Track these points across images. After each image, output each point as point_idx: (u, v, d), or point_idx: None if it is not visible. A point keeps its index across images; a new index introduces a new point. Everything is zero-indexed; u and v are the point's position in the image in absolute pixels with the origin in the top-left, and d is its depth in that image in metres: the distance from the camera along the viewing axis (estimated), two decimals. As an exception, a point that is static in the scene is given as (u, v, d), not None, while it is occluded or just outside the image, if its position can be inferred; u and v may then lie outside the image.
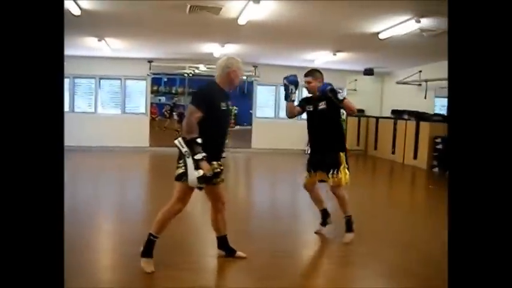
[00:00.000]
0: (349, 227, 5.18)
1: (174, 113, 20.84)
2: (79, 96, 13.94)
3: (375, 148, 14.85)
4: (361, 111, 15.79)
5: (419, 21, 7.14)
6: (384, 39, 8.43)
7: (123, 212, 6.45)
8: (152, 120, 16.32)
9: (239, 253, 4.48)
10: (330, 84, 5.06)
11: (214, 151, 4.05)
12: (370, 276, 4.38)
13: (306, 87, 5.27)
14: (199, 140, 3.82)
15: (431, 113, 12.66)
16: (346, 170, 5.14)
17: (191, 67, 15.13)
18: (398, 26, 7.61)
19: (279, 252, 4.77)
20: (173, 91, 21.31)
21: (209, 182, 4.02)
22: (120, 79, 13.87)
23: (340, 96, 4.98)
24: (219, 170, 4.14)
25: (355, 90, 15.76)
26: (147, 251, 4.04)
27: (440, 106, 12.94)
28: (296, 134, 14.84)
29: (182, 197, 4.07)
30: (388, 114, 14.56)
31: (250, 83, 15.74)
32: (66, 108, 13.04)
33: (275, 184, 10.10)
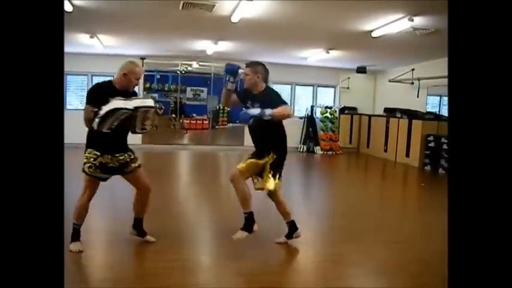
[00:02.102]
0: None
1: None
2: (71, 92, 13.88)
3: (368, 146, 14.87)
4: (353, 109, 15.83)
5: (412, 20, 7.17)
6: (377, 37, 8.45)
7: (114, 208, 6.41)
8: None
9: (149, 237, 4.76)
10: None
11: (109, 145, 4.29)
12: (363, 274, 4.39)
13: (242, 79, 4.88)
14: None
15: (424, 111, 12.70)
16: (270, 176, 4.74)
17: (184, 64, 15.13)
18: (391, 24, 7.62)
19: (271, 249, 4.78)
20: (166, 88, 21.27)
21: (117, 172, 4.44)
22: (112, 76, 13.63)
23: (267, 117, 4.43)
24: (121, 162, 4.40)
25: (348, 88, 15.79)
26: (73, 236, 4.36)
27: (433, 104, 13.00)
28: (289, 131, 14.88)
29: (87, 185, 4.36)
30: (381, 112, 14.59)
31: (243, 81, 15.75)
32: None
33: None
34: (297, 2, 6.90)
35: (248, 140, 14.41)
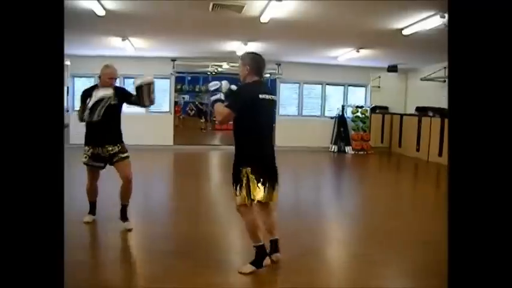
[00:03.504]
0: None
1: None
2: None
3: (399, 146, 14.71)
4: (385, 108, 15.67)
5: (444, 17, 7.05)
6: (408, 35, 8.35)
7: (150, 210, 6.48)
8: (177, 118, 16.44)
9: (127, 223, 5.30)
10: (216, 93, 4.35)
11: (99, 139, 5.18)
12: (394, 276, 4.36)
13: None
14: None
15: (457, 109, 12.49)
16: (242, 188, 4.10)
17: (214, 65, 15.18)
18: (422, 21, 7.53)
19: (302, 250, 4.77)
20: (196, 89, 21.39)
21: (108, 161, 5.27)
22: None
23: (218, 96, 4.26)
24: (110, 153, 5.20)
25: (378, 87, 15.65)
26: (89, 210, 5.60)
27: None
28: (320, 131, 14.83)
29: (88, 173, 5.46)
30: (413, 111, 14.42)
31: (274, 81, 15.73)
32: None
33: (299, 182, 10.07)
34: (326, 1, 6.87)
35: (280, 139, 14.33)
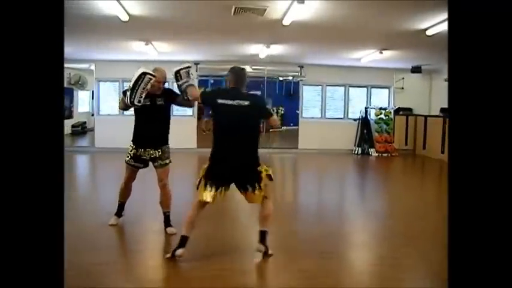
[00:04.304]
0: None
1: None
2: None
3: (424, 148, 14.57)
4: (409, 110, 15.54)
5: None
6: (432, 35, 8.27)
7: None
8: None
9: (171, 229, 5.25)
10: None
11: (143, 142, 5.24)
12: (419, 278, 4.33)
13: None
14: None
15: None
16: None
17: (237, 68, 15.23)
18: (446, 21, 7.45)
19: (327, 253, 4.76)
20: (220, 92, 21.50)
21: (147, 164, 5.34)
22: (167, 82, 13.91)
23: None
24: (151, 156, 5.25)
25: (402, 88, 15.53)
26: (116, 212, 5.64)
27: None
28: (343, 133, 14.76)
29: (126, 171, 5.42)
30: (437, 112, 14.27)
31: (296, 83, 15.71)
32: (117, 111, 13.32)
33: (322, 184, 10.05)
34: (348, 3, 6.85)
35: (303, 142, 14.33)
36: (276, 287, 4.06)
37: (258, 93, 21.32)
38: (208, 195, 4.30)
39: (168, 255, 4.38)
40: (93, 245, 4.83)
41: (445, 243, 5.00)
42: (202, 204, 4.39)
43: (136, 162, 5.29)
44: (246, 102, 4.44)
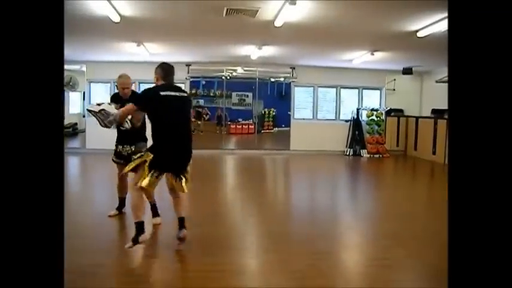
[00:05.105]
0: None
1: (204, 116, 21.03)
2: (119, 100, 14.11)
3: (415, 149, 14.63)
4: (400, 111, 15.60)
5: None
6: (423, 37, 8.31)
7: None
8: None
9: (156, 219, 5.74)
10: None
11: (120, 139, 5.90)
12: (412, 279, 4.34)
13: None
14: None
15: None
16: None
17: (229, 70, 15.23)
18: (437, 23, 7.49)
19: (319, 254, 4.77)
20: (211, 94, 21.49)
21: (127, 159, 5.53)
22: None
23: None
24: (127, 152, 5.81)
25: (393, 90, 15.59)
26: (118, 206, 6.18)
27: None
28: (335, 134, 14.80)
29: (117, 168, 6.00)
30: (428, 113, 14.33)
31: (288, 85, 15.72)
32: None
33: (314, 186, 10.06)
34: (340, 4, 6.87)
35: (294, 143, 14.37)
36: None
37: (250, 94, 21.49)
38: (147, 182, 4.54)
39: (129, 244, 4.59)
40: (89, 245, 4.82)
41: (435, 243, 5.05)
42: (142, 189, 4.63)
43: (117, 159, 5.96)
44: (182, 93, 4.83)
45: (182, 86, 5.24)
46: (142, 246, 4.72)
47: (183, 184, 4.80)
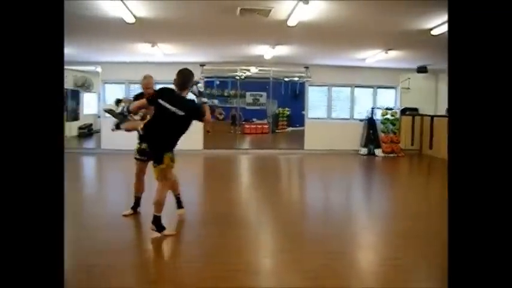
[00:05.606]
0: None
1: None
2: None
3: (430, 148, 14.52)
4: (415, 110, 15.50)
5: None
6: (437, 35, 8.26)
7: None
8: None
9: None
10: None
11: (141, 136, 5.69)
12: (423, 279, 4.32)
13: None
14: None
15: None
16: None
17: (243, 69, 15.25)
18: (451, 21, 7.43)
19: (333, 254, 4.76)
20: (225, 94, 21.52)
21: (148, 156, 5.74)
22: (173, 83, 13.90)
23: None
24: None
25: (408, 88, 15.51)
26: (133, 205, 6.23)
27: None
28: (349, 134, 14.74)
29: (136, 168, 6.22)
30: (443, 112, 14.23)
31: (302, 84, 15.69)
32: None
33: (328, 186, 10.04)
34: (353, 3, 6.85)
35: (308, 143, 14.32)
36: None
37: (264, 94, 21.48)
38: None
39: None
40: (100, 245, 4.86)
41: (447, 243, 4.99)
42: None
43: (140, 156, 6.03)
44: (178, 110, 5.15)
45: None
46: (155, 245, 4.76)
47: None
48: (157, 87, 5.57)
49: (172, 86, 5.30)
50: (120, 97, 5.50)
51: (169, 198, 5.65)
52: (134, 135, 5.71)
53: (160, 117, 5.13)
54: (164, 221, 5.18)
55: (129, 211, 6.10)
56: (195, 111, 5.28)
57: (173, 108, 5.06)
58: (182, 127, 5.23)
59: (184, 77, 5.30)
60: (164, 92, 5.25)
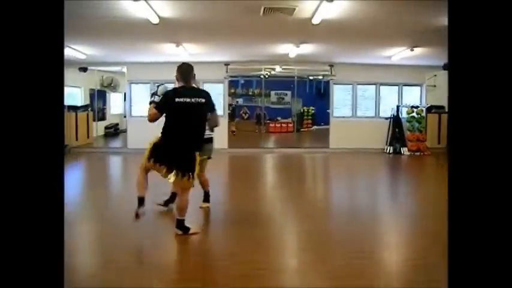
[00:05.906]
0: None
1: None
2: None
3: (457, 145, 14.32)
4: (441, 107, 15.32)
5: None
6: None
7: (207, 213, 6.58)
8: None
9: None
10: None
11: None
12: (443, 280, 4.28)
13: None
14: None
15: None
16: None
17: (267, 68, 15.28)
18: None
19: (357, 253, 4.74)
20: (250, 93, 21.57)
21: None
22: (198, 82, 14.00)
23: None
24: None
25: (434, 86, 15.34)
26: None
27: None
28: (374, 132, 14.64)
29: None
30: (471, 110, 14.03)
31: (327, 83, 15.65)
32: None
33: (354, 184, 10.00)
34: (378, 1, 6.82)
35: (333, 141, 14.23)
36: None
37: (289, 93, 21.46)
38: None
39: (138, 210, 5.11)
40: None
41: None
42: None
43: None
44: (199, 99, 5.06)
45: (221, 86, 5.41)
46: (183, 245, 4.81)
47: (184, 180, 5.03)
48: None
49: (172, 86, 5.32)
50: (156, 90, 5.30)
51: (193, 196, 5.68)
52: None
53: (181, 116, 4.97)
54: (189, 220, 5.21)
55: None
56: (210, 97, 5.22)
57: (194, 99, 4.97)
58: (205, 117, 5.16)
59: (186, 70, 5.22)
60: (175, 92, 5.10)
